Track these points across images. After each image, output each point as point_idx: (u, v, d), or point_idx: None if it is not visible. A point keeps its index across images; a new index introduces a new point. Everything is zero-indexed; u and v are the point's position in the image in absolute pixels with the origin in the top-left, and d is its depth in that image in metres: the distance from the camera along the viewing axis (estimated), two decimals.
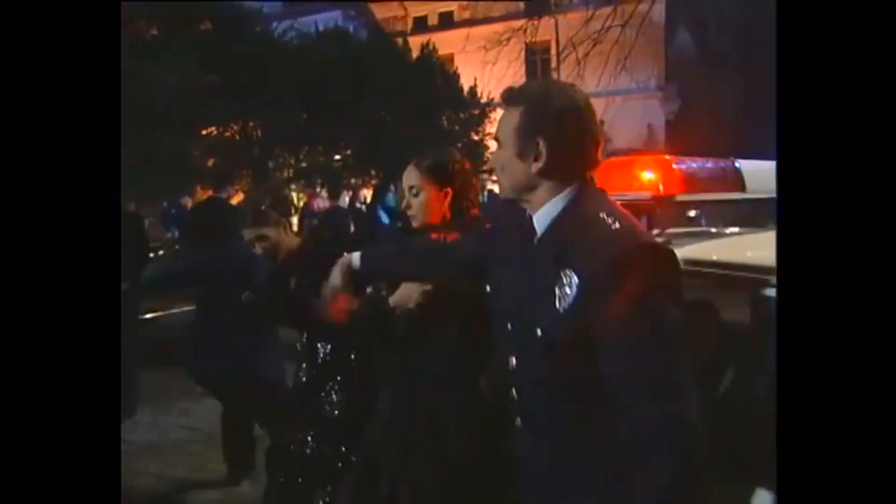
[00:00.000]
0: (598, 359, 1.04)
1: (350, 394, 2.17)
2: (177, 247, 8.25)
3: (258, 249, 2.41)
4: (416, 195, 1.76)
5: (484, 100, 16.76)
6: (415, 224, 1.79)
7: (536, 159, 1.13)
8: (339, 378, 2.19)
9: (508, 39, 12.65)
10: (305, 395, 2.24)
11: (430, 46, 16.59)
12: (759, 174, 1.89)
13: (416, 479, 1.75)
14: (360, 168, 15.98)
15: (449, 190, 1.76)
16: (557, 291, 1.06)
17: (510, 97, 1.18)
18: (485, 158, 16.34)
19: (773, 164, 2.14)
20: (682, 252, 1.51)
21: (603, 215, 1.09)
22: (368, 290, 1.79)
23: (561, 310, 1.06)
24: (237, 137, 15.93)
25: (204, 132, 15.26)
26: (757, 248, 1.58)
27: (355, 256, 1.55)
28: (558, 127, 1.12)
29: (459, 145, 16.12)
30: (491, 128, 17.10)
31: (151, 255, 6.14)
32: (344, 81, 14.27)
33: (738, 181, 1.80)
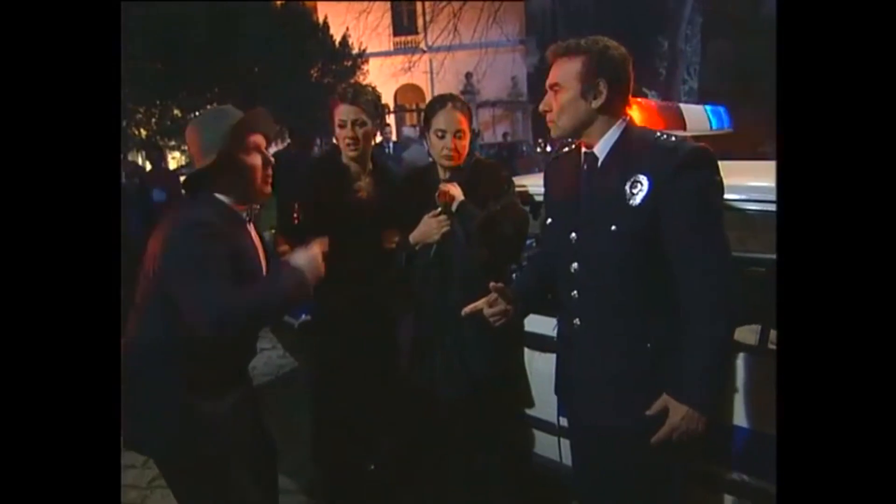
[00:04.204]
0: (662, 240, 1.35)
1: None
2: None
3: (348, 132, 1.97)
4: (461, 138, 1.87)
5: (356, 51, 16.34)
6: (455, 164, 1.90)
7: (597, 97, 1.40)
8: None
9: None
10: None
11: None
12: (694, 115, 2.27)
13: (442, 395, 1.93)
14: None
15: (470, 133, 1.92)
16: (629, 192, 1.36)
17: (569, 49, 1.42)
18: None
19: (698, 107, 2.53)
20: None
21: (658, 134, 1.42)
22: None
23: (634, 205, 1.36)
24: None
25: None
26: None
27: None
28: (615, 71, 1.40)
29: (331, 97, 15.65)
30: (364, 79, 16.80)
31: None
32: (204, 29, 13.14)
33: (681, 120, 2.16)
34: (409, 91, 22.73)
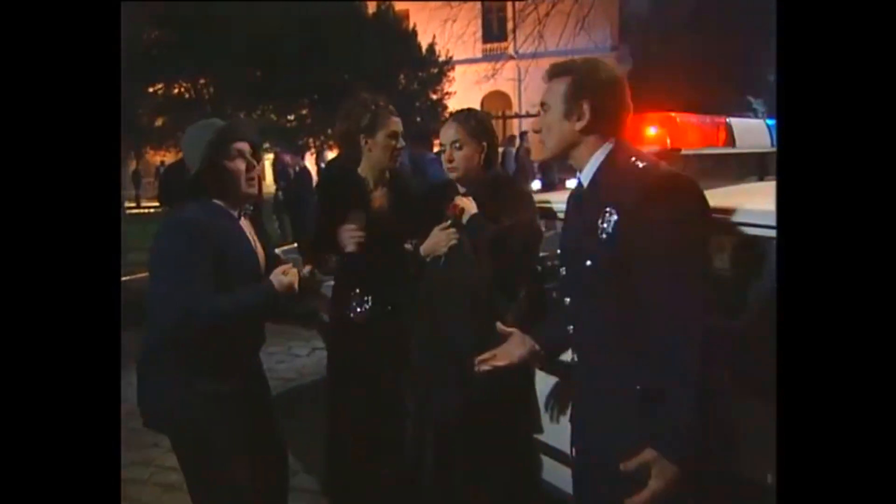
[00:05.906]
0: (632, 275, 1.23)
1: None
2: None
3: (399, 143, 2.05)
4: (459, 149, 1.88)
5: (442, 58, 16.57)
6: (455, 175, 1.92)
7: (580, 119, 1.34)
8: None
9: None
10: None
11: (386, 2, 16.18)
12: (747, 130, 2.08)
13: (440, 416, 1.91)
14: (317, 128, 15.64)
15: (484, 145, 1.90)
16: (600, 226, 1.28)
17: (557, 71, 1.38)
18: (443, 118, 16.29)
19: (757, 121, 2.33)
20: None
21: (633, 159, 1.33)
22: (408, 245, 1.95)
23: (604, 238, 1.26)
24: (187, 96, 15.29)
25: (151, 90, 14.58)
26: (748, 195, 1.77)
27: None
28: (599, 93, 1.34)
29: (418, 104, 15.97)
30: (450, 87, 17.02)
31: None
32: (298, 38, 13.83)
33: (729, 137, 1.99)
34: (495, 98, 22.73)
